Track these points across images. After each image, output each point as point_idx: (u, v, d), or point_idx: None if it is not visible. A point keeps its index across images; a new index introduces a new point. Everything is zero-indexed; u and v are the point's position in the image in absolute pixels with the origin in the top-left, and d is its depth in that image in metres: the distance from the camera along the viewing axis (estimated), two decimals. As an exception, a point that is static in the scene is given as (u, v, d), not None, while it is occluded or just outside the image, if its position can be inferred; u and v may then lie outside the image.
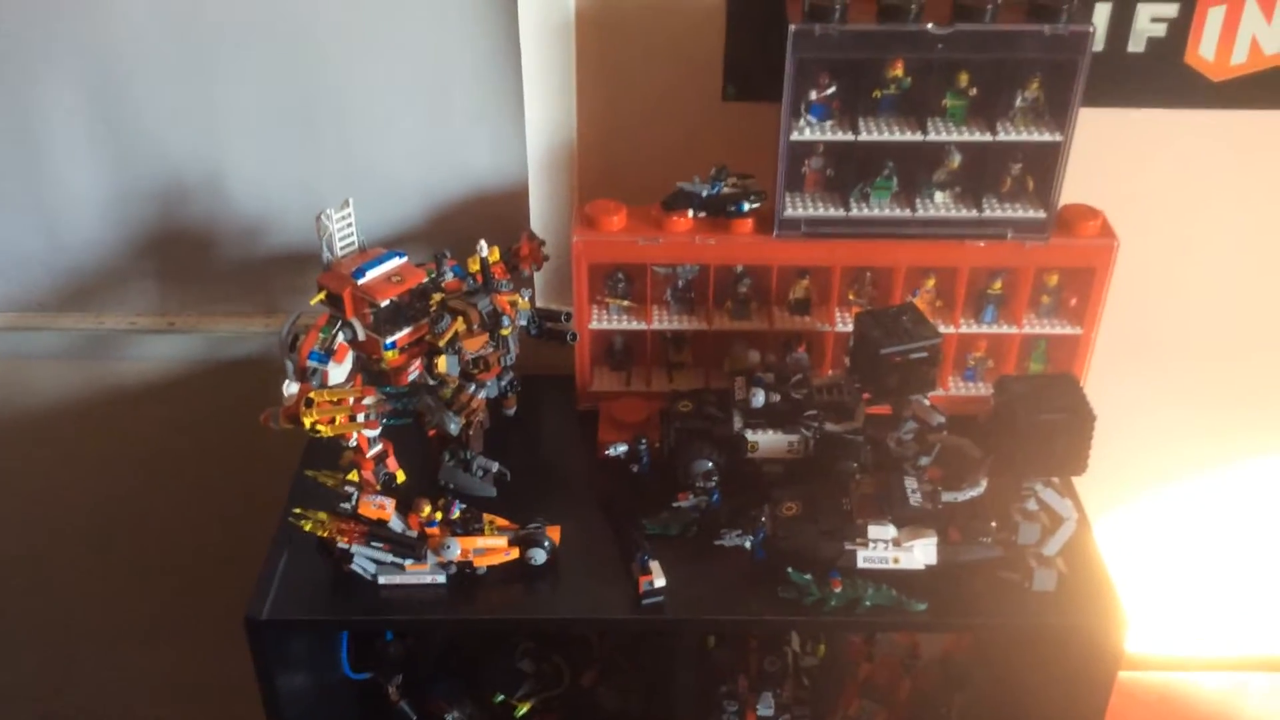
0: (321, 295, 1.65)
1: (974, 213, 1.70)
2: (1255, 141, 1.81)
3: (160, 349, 2.05)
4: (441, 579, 1.57)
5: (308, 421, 1.48)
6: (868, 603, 1.54)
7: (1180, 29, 1.71)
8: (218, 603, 1.90)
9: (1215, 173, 1.85)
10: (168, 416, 2.12)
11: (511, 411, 1.84)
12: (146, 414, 2.12)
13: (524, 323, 1.72)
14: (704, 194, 1.70)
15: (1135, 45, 1.73)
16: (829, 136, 1.65)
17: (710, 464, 1.66)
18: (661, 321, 1.81)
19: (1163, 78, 1.75)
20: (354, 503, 1.54)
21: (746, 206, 1.70)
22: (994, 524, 1.60)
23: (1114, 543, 1.70)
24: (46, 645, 2.48)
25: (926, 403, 1.64)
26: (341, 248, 1.69)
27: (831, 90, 1.63)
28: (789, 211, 1.70)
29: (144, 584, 2.35)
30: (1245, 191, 1.86)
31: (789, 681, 1.99)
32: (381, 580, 1.57)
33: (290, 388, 1.51)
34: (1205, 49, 1.73)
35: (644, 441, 1.71)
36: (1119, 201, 1.75)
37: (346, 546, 1.54)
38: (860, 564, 1.56)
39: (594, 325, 1.80)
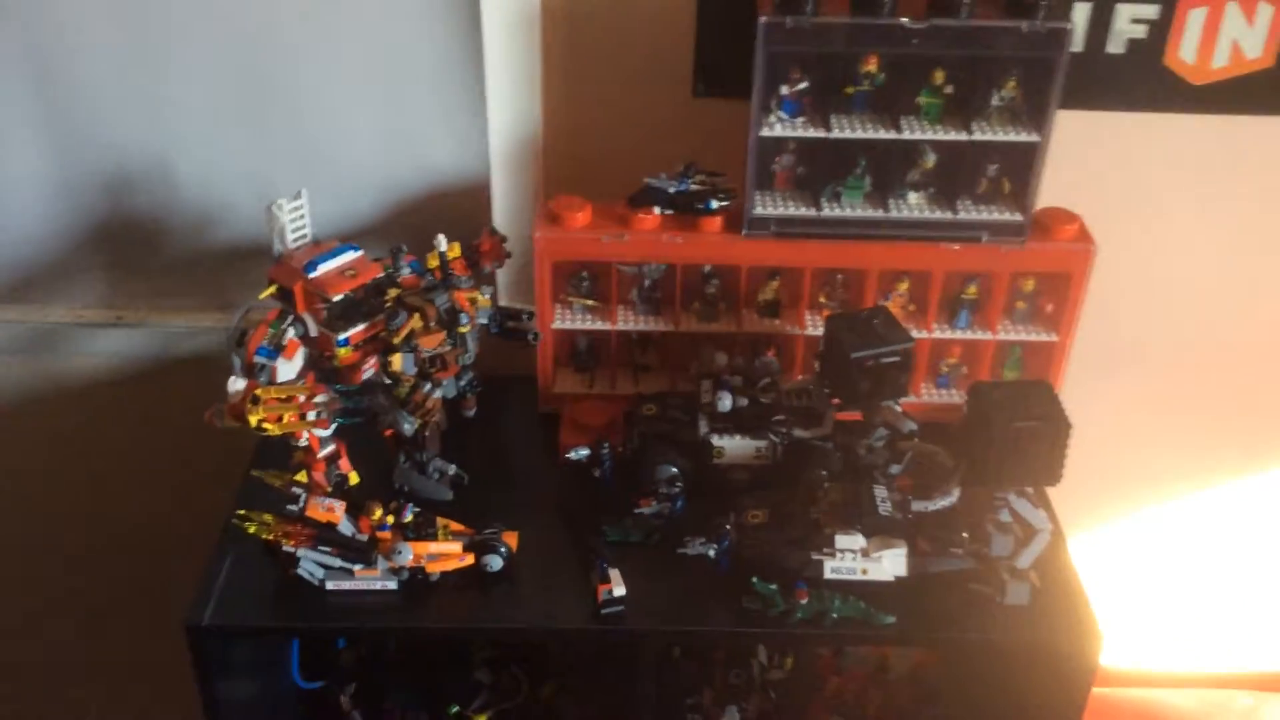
0: (272, 289, 1.60)
1: (948, 214, 1.66)
2: (1236, 147, 1.78)
3: (107, 343, 1.98)
4: (393, 585, 1.52)
5: (253, 419, 1.42)
6: (835, 614, 1.49)
7: (1160, 31, 1.68)
8: (160, 605, 1.83)
9: (1194, 178, 1.82)
10: (115, 413, 2.05)
11: (471, 413, 1.79)
12: (92, 410, 2.06)
13: (484, 321, 1.68)
14: (672, 190, 1.65)
15: (1114, 46, 1.69)
16: (800, 133, 1.60)
17: (674, 469, 1.61)
18: (626, 322, 1.75)
19: (1142, 80, 1.72)
20: (301, 505, 1.48)
21: (715, 204, 1.65)
22: (965, 535, 1.56)
23: (1088, 555, 1.65)
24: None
25: (898, 409, 1.60)
26: (293, 240, 1.63)
27: (803, 85, 1.59)
28: (759, 210, 1.65)
29: (86, 583, 2.28)
30: (1224, 197, 1.84)
31: (755, 695, 1.95)
32: (329, 585, 1.51)
33: (236, 384, 1.46)
34: (1185, 52, 1.70)
35: (606, 445, 1.65)
36: (1096, 205, 1.71)
37: (292, 550, 1.48)
38: (828, 574, 1.52)
39: (557, 325, 1.75)
